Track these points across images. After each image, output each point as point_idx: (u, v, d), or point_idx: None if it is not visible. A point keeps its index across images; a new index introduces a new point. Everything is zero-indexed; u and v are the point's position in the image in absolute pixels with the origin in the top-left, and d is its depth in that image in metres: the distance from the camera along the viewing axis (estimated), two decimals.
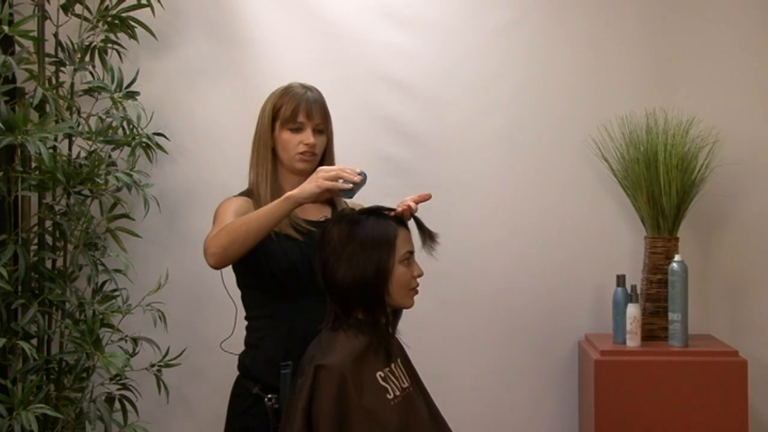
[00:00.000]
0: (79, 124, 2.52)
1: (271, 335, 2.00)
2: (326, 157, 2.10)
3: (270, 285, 1.99)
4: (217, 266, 1.89)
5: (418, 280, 1.87)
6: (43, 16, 2.41)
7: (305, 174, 2.03)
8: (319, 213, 2.06)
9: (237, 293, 2.10)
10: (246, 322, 2.09)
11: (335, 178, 1.82)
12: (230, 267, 2.01)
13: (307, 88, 2.08)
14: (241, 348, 2.08)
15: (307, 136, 2.03)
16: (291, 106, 2.02)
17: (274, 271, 1.95)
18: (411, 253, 1.86)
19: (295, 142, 2.03)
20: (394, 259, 1.81)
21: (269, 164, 2.04)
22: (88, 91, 2.56)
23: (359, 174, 1.84)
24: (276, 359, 1.93)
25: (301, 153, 2.03)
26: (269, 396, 1.94)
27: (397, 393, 1.81)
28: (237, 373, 2.06)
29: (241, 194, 2.06)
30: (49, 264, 2.45)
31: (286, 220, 1.94)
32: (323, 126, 2.07)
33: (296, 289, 1.99)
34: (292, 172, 2.06)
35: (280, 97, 2.05)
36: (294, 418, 1.72)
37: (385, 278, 1.80)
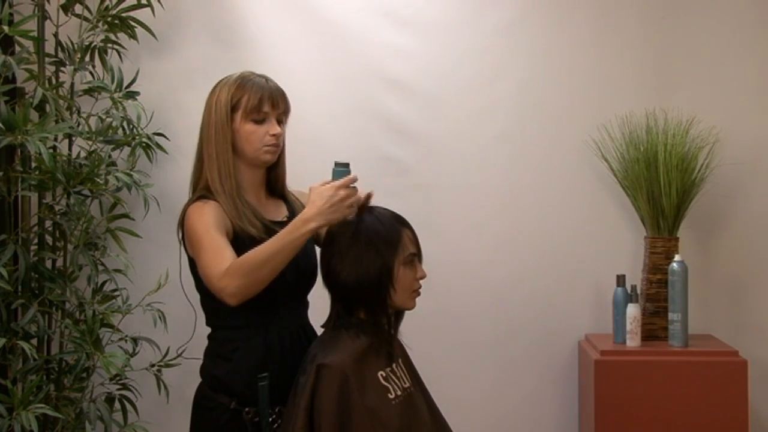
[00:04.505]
0: (79, 124, 2.52)
1: (245, 347, 1.90)
2: (282, 148, 2.01)
3: None
4: (238, 305, 1.78)
5: (422, 282, 1.87)
6: (43, 16, 2.41)
7: (265, 167, 1.97)
8: (279, 212, 1.99)
9: (194, 297, 2.01)
10: (210, 330, 1.98)
11: (349, 197, 1.78)
12: (187, 268, 1.96)
13: (263, 76, 1.97)
14: (198, 352, 2.01)
15: (273, 127, 1.93)
16: (256, 96, 1.91)
17: None
18: (414, 254, 1.86)
19: (260, 134, 1.92)
20: (398, 260, 1.81)
21: (230, 158, 1.92)
22: (88, 91, 2.56)
23: (344, 165, 1.83)
24: (253, 372, 1.86)
25: (269, 145, 1.93)
26: (247, 409, 1.87)
27: (399, 393, 1.81)
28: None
29: (201, 197, 1.92)
30: (49, 264, 2.45)
31: (258, 224, 1.89)
32: (284, 116, 1.98)
33: (270, 299, 1.87)
34: (254, 165, 1.96)
35: (237, 88, 1.93)
36: (296, 416, 1.72)
37: (388, 279, 1.80)
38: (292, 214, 1.94)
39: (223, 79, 1.98)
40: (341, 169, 1.82)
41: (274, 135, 1.93)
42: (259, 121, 1.93)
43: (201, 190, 1.94)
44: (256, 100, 1.92)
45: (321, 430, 1.70)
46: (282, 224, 1.88)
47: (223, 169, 1.91)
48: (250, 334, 1.91)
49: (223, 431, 1.90)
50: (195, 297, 2.01)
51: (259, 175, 1.99)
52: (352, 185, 1.79)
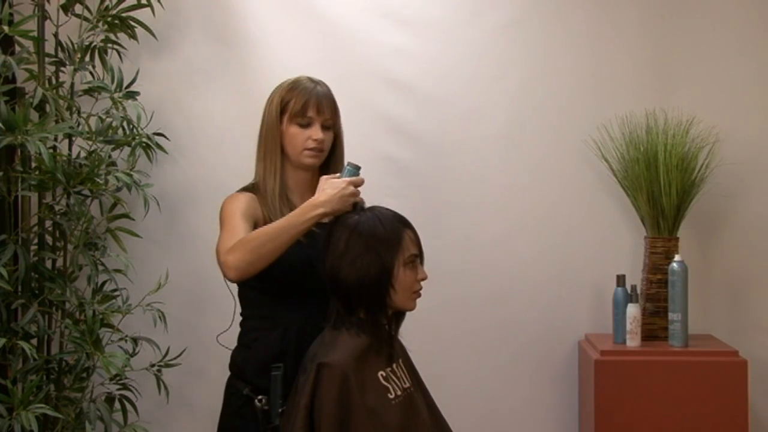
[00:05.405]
0: (79, 124, 2.52)
1: (265, 337, 1.99)
2: (336, 153, 2.07)
3: (269, 286, 1.96)
4: (238, 280, 1.89)
5: (422, 283, 1.87)
6: (43, 16, 2.41)
7: (311, 170, 2.03)
8: None
9: (235, 287, 2.07)
10: (241, 318, 2.08)
11: (356, 194, 1.88)
12: None
13: (316, 82, 2.05)
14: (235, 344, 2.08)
15: (316, 132, 2.00)
16: (301, 100, 2.00)
17: (276, 273, 1.90)
18: (416, 256, 1.85)
19: (303, 137, 2.00)
20: (399, 261, 1.81)
21: (277, 158, 2.02)
22: (88, 91, 2.56)
23: (356, 167, 1.92)
24: (268, 362, 1.92)
25: (310, 149, 2.00)
26: (260, 397, 1.93)
27: (399, 393, 1.81)
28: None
29: (245, 189, 2.04)
30: (49, 264, 2.45)
31: None
32: (332, 121, 2.04)
33: (294, 292, 1.98)
34: (298, 167, 2.04)
35: (288, 91, 2.02)
36: (296, 415, 1.72)
37: (388, 280, 1.80)
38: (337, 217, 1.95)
39: (282, 82, 2.07)
40: (354, 169, 1.92)
41: (316, 140, 2.00)
42: (304, 125, 2.01)
43: (249, 184, 2.05)
44: (300, 105, 2.00)
45: (321, 429, 1.70)
46: (323, 225, 1.92)
47: (269, 168, 2.02)
48: (272, 325, 1.99)
49: (236, 416, 1.98)
50: (234, 287, 2.07)
51: (305, 177, 2.04)
52: (358, 187, 1.89)
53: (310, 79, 2.05)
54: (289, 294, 1.98)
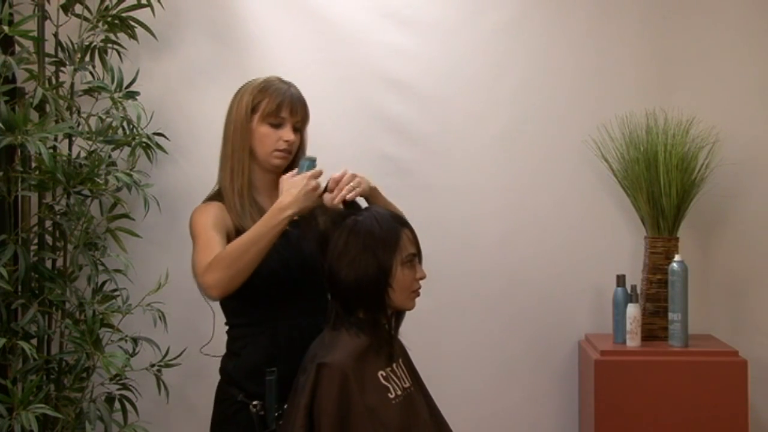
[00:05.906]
0: (79, 124, 2.52)
1: (253, 343, 1.97)
2: (299, 155, 2.04)
3: (250, 293, 1.90)
4: (221, 298, 1.87)
5: (420, 282, 1.87)
6: (43, 16, 2.41)
7: (278, 172, 1.99)
8: None
9: None
10: (227, 327, 2.05)
11: (318, 187, 1.86)
12: None
13: (287, 83, 2.03)
14: (222, 350, 2.06)
15: (287, 133, 1.98)
16: (275, 100, 1.97)
17: (256, 281, 1.85)
18: (414, 255, 1.85)
19: (274, 138, 1.98)
20: (397, 260, 1.81)
21: (246, 158, 1.98)
22: (88, 91, 2.56)
23: (312, 159, 1.91)
24: (259, 368, 1.90)
25: (280, 150, 1.98)
26: (255, 402, 1.91)
27: (399, 393, 1.81)
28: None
29: (211, 198, 2.01)
30: (49, 264, 2.45)
31: None
32: (301, 124, 2.03)
33: (277, 295, 1.95)
34: (265, 168, 2.01)
35: (260, 91, 1.99)
36: (296, 415, 1.72)
37: (386, 279, 1.80)
38: (306, 217, 1.94)
39: (248, 82, 2.03)
40: (311, 162, 1.90)
41: (287, 141, 1.98)
42: (276, 126, 1.99)
43: (213, 193, 2.01)
44: (275, 105, 1.98)
45: (321, 429, 1.70)
46: (294, 222, 1.89)
47: (236, 168, 1.98)
48: (258, 330, 1.97)
49: (231, 422, 1.96)
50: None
51: (272, 179, 2.01)
52: (318, 178, 1.87)
53: (281, 80, 2.03)
54: (273, 298, 1.95)
